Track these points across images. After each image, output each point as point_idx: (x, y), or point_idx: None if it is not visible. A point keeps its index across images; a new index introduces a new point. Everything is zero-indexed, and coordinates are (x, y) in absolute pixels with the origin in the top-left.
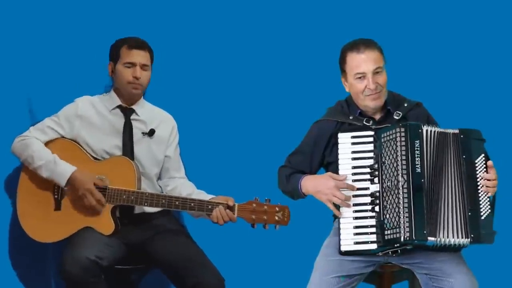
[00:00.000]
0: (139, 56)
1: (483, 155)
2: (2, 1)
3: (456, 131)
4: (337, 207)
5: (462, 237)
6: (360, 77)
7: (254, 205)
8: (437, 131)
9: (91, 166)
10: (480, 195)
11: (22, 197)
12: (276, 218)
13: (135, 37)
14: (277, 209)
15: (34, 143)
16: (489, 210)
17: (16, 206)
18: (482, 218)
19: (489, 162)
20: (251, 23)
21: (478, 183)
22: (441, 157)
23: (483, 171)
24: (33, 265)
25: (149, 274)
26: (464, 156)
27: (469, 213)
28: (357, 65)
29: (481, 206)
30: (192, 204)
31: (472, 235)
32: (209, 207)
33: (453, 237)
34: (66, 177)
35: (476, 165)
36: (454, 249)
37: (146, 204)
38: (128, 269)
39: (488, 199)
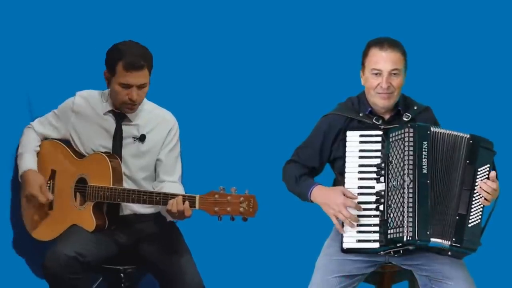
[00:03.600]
0: (136, 79)
1: (488, 165)
2: (2, 1)
3: (467, 135)
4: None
5: (445, 240)
6: (376, 73)
7: (217, 195)
8: (448, 133)
9: (73, 164)
10: (473, 203)
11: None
12: (241, 209)
13: (133, 47)
14: (241, 199)
15: (26, 133)
16: (479, 220)
17: (21, 205)
18: (469, 226)
19: (492, 174)
20: (258, 19)
21: (475, 192)
22: (449, 159)
23: (483, 181)
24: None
25: (148, 275)
26: (467, 161)
27: (457, 217)
28: (376, 61)
29: (471, 214)
30: (158, 198)
31: (453, 239)
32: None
33: (435, 238)
34: (20, 173)
35: (478, 173)
36: (441, 251)
37: (119, 200)
38: (121, 269)
39: (481, 209)
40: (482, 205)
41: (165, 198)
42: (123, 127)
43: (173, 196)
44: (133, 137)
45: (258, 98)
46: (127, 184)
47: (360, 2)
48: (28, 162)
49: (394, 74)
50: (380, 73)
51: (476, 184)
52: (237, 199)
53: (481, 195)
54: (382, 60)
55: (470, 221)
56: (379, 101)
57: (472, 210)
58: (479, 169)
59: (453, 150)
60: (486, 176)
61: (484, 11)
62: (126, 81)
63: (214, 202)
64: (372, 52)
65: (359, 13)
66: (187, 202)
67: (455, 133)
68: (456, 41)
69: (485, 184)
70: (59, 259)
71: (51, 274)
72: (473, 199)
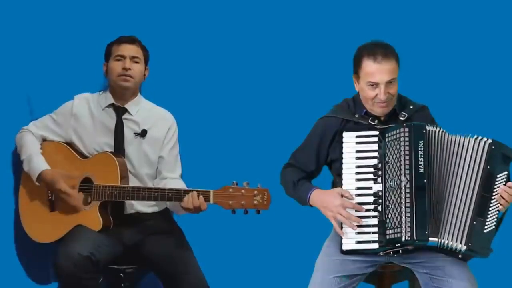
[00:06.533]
0: (128, 50)
1: (506, 172)
2: (2, 1)
3: (489, 140)
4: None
5: (459, 242)
6: (372, 85)
7: (231, 190)
8: (448, 134)
9: (78, 164)
10: (491, 209)
11: (23, 199)
12: (255, 202)
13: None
14: (255, 192)
15: (26, 136)
16: (494, 227)
17: (18, 208)
18: (485, 231)
19: (510, 184)
20: (255, 21)
21: (493, 198)
22: (452, 160)
23: (503, 188)
24: (36, 264)
25: (148, 275)
26: (488, 167)
27: (474, 222)
28: (372, 74)
29: (488, 220)
30: (170, 194)
31: (469, 243)
32: (186, 196)
33: (451, 240)
34: (36, 174)
35: (497, 179)
36: (451, 252)
37: (128, 198)
38: (121, 269)
39: (496, 215)
40: (498, 211)
41: (177, 194)
42: (124, 122)
43: (186, 192)
44: (134, 133)
45: (255, 99)
46: (131, 181)
47: (356, 3)
48: (42, 163)
49: (391, 83)
50: (377, 85)
51: (494, 190)
52: (251, 192)
53: (498, 201)
54: (378, 73)
55: (486, 226)
56: (378, 110)
57: (489, 216)
58: (498, 176)
59: (463, 152)
60: (504, 182)
61: (481, 9)
62: (119, 53)
63: (228, 196)
64: (365, 63)
65: (355, 14)
66: (201, 197)
67: (462, 135)
68: (452, 40)
69: (505, 192)
70: (73, 258)
71: (64, 273)
72: (491, 204)
